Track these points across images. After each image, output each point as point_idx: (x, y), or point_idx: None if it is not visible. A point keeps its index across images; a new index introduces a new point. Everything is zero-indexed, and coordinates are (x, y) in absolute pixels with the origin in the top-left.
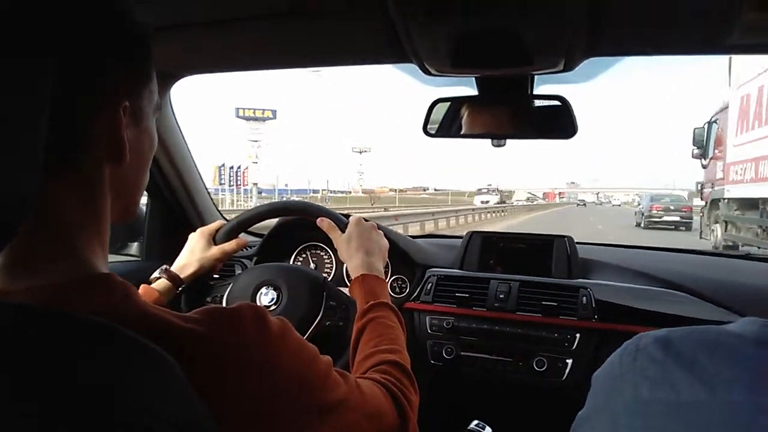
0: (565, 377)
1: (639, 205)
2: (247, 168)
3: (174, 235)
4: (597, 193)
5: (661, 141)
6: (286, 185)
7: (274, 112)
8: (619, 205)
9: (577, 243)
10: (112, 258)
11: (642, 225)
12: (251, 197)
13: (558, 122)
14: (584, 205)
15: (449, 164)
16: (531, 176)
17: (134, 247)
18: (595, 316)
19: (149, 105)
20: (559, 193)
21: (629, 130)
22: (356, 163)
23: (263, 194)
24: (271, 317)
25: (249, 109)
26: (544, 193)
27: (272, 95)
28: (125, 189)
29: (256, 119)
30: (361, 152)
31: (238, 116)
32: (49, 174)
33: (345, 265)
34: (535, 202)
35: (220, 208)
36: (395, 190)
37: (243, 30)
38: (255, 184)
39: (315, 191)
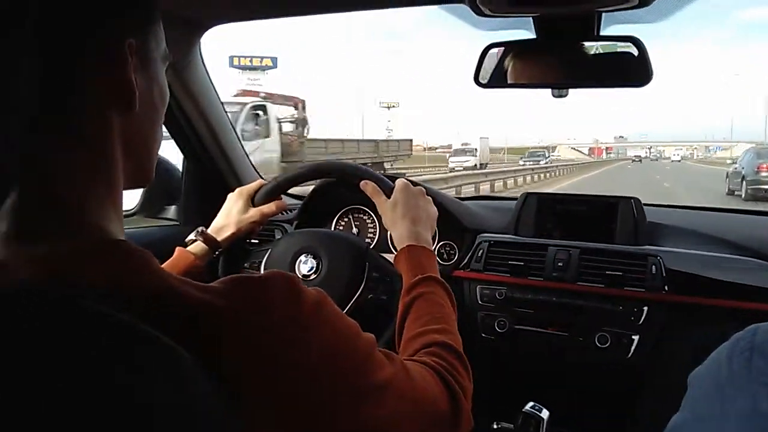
0: (630, 354)
1: (734, 164)
2: None
3: (212, 197)
4: (649, 148)
5: (717, 90)
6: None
7: (274, 60)
8: (679, 161)
9: (645, 205)
10: (150, 223)
11: (743, 194)
12: None
13: (630, 68)
14: (639, 161)
15: (490, 117)
16: (575, 131)
17: (172, 211)
18: (666, 288)
19: (156, 50)
20: (606, 148)
21: (680, 79)
22: (384, 120)
23: None
24: (305, 287)
25: (245, 57)
26: (590, 149)
27: (274, 43)
28: (136, 145)
29: (254, 68)
30: (389, 107)
31: (232, 65)
32: (46, 129)
33: (389, 232)
34: (543, 162)
35: None
36: (431, 148)
37: None
38: None
39: None
